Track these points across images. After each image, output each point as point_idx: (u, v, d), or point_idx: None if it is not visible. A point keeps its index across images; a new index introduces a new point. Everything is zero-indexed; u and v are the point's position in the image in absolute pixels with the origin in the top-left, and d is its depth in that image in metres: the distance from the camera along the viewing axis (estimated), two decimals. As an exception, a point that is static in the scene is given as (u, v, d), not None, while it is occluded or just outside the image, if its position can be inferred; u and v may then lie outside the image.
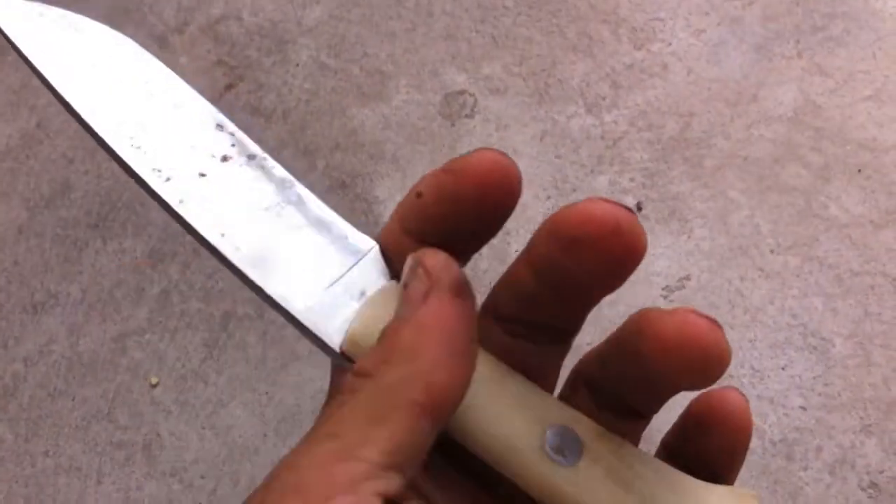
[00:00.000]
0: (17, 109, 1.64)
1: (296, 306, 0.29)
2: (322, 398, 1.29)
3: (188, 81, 0.34)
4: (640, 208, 1.38)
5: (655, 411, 0.31)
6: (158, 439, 1.30)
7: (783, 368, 1.24)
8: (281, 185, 0.32)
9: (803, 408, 1.21)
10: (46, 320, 1.41)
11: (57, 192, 1.53)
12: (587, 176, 1.43)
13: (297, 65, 1.63)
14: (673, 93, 1.50)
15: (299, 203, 0.32)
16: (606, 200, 0.27)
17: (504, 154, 0.28)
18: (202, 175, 0.31)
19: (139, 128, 0.32)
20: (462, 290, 0.27)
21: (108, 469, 1.29)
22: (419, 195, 0.30)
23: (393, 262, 0.31)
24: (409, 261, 0.28)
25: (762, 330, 1.27)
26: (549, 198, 1.41)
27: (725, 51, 1.53)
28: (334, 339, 0.29)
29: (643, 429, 0.31)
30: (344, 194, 1.45)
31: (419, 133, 1.51)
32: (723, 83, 1.50)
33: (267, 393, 1.30)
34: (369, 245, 0.31)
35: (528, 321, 0.31)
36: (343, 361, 0.29)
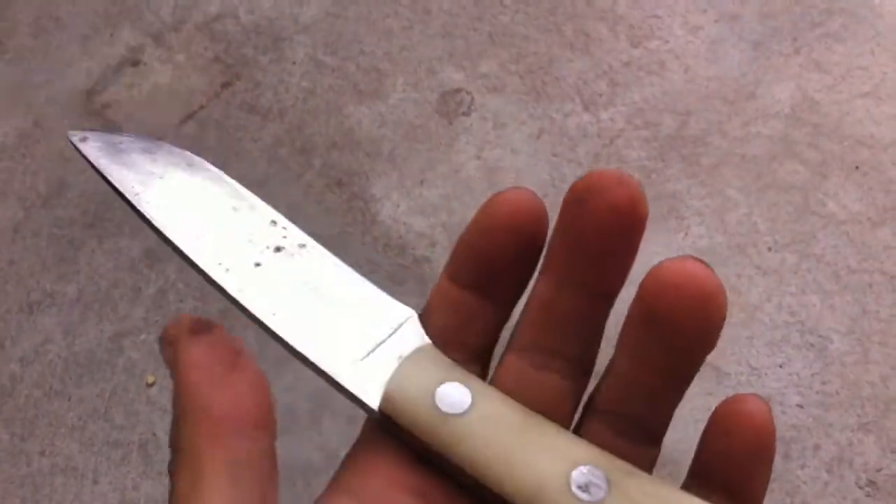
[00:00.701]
0: (14, 108, 1.64)
1: (339, 372, 0.32)
2: (318, 398, 1.29)
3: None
4: (637, 206, 1.38)
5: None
6: (155, 439, 1.30)
7: (781, 366, 1.23)
8: (328, 267, 0.36)
9: (801, 406, 1.21)
10: (42, 320, 1.41)
11: (53, 192, 1.53)
12: (584, 174, 1.43)
13: (294, 63, 1.63)
14: (670, 90, 1.49)
15: (345, 282, 0.35)
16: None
17: (529, 191, 0.30)
18: (257, 265, 0.35)
19: (202, 229, 0.37)
20: (198, 328, 0.29)
21: (105, 469, 1.28)
22: (461, 237, 0.32)
23: (441, 316, 0.33)
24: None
25: (760, 327, 1.27)
26: (545, 196, 1.41)
27: (723, 48, 1.53)
28: (371, 401, 0.31)
29: (656, 455, 0.32)
30: (341, 192, 1.45)
31: (416, 131, 1.51)
32: (720, 80, 1.49)
33: (263, 392, 1.29)
34: (408, 314, 0.33)
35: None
36: (383, 419, 0.31)
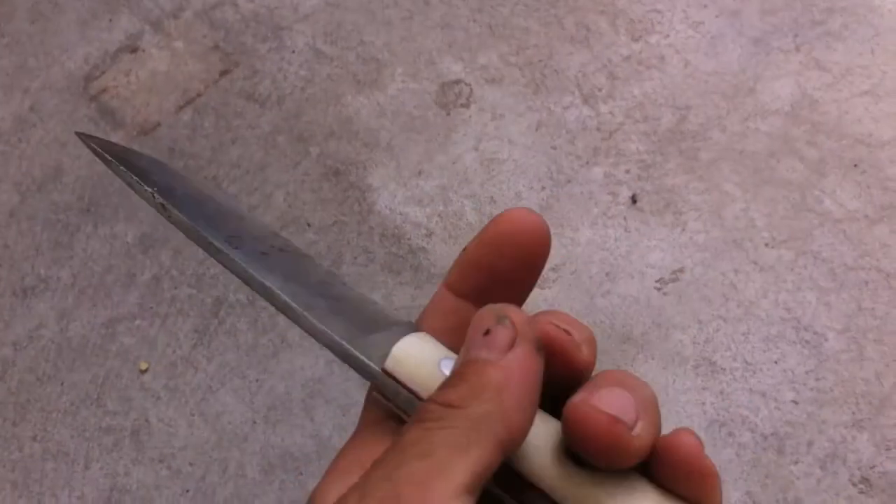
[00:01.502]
0: (11, 92, 1.63)
1: (343, 335, 0.33)
2: (312, 386, 1.29)
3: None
4: (634, 200, 1.38)
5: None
6: (147, 425, 1.29)
7: (776, 362, 1.23)
8: (328, 274, 0.38)
9: (795, 402, 1.21)
10: (36, 304, 1.40)
11: (49, 176, 1.52)
12: (582, 167, 1.42)
13: (293, 51, 1.62)
14: (670, 85, 1.49)
15: (343, 287, 0.38)
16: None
17: (534, 212, 0.33)
18: (264, 254, 0.37)
19: (216, 223, 0.39)
20: (540, 346, 0.30)
21: (96, 454, 1.28)
22: (465, 249, 0.34)
23: (436, 322, 0.36)
24: (488, 311, 0.31)
25: (755, 323, 1.26)
26: (543, 188, 1.41)
27: (723, 44, 1.53)
28: (377, 362, 0.32)
29: None
30: (337, 182, 1.45)
31: (414, 122, 1.51)
32: (720, 76, 1.49)
33: (257, 380, 1.29)
34: (406, 318, 0.36)
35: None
36: (384, 379, 0.32)
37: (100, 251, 1.44)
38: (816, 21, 1.52)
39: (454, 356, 0.32)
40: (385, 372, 0.32)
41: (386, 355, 0.32)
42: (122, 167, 0.40)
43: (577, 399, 0.29)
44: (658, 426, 0.30)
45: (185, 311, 1.37)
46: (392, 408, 0.33)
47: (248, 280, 0.35)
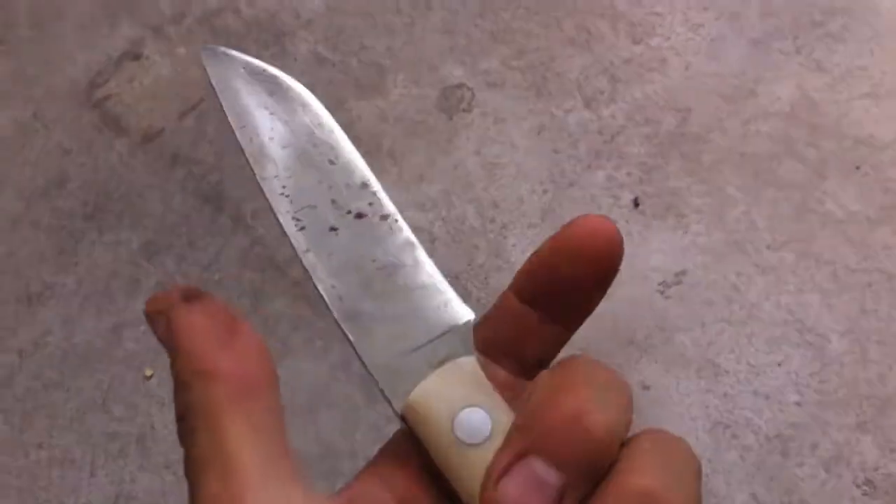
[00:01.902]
0: (13, 99, 1.63)
1: (373, 362, 0.32)
2: (315, 391, 1.29)
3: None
4: (636, 203, 1.38)
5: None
6: (153, 431, 1.30)
7: (779, 364, 1.24)
8: (403, 246, 0.35)
9: (799, 404, 1.21)
10: (41, 311, 1.41)
11: (53, 183, 1.53)
12: (584, 170, 1.43)
13: (295, 58, 1.62)
14: (671, 87, 1.49)
15: (414, 266, 0.35)
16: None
17: (608, 219, 0.31)
18: (333, 229, 0.35)
19: (293, 179, 0.36)
20: (190, 296, 0.30)
21: (102, 461, 1.28)
22: (536, 253, 0.33)
23: (499, 327, 0.34)
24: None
25: (758, 326, 1.27)
26: (545, 192, 1.41)
27: (723, 46, 1.53)
28: (396, 403, 0.31)
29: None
30: (340, 187, 1.45)
31: (416, 127, 1.51)
32: (721, 78, 1.49)
33: (262, 386, 1.29)
34: (466, 317, 0.33)
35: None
36: (402, 423, 0.32)
37: (104, 258, 1.44)
38: (816, 22, 1.53)
39: (482, 404, 0.30)
40: (403, 418, 0.31)
41: (408, 393, 0.31)
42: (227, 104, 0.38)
43: (484, 491, 0.28)
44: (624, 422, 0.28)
45: (190, 317, 1.37)
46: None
47: (305, 270, 0.34)
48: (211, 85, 0.39)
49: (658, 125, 1.46)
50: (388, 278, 0.34)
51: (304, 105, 0.40)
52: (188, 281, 1.40)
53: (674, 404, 1.22)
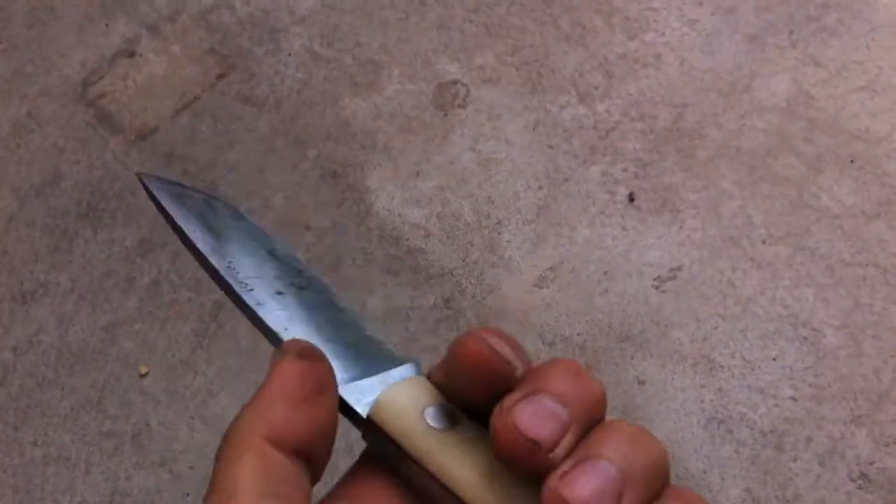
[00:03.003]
0: (8, 98, 1.63)
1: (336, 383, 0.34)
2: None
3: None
4: (632, 199, 1.38)
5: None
6: (147, 429, 1.30)
7: (774, 359, 1.24)
8: (346, 309, 0.39)
9: (794, 398, 1.21)
10: (36, 310, 1.41)
11: (47, 182, 1.53)
12: (580, 166, 1.43)
13: (290, 54, 1.62)
14: (666, 83, 1.49)
15: (358, 322, 0.39)
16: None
17: (485, 342, 0.32)
18: (279, 293, 0.38)
19: (237, 262, 0.39)
20: (303, 354, 0.32)
21: (97, 459, 1.28)
22: (429, 376, 0.35)
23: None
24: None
25: (753, 320, 1.27)
26: (541, 188, 1.41)
27: (719, 41, 1.53)
28: (362, 409, 0.33)
29: None
30: (335, 184, 1.45)
31: (411, 123, 1.51)
32: (716, 73, 1.49)
33: (257, 383, 1.29)
34: (414, 358, 0.36)
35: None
36: (368, 433, 0.33)
37: (99, 256, 1.44)
38: (812, 17, 1.53)
39: (444, 404, 0.32)
40: (370, 420, 0.33)
41: (369, 404, 0.33)
42: (171, 215, 0.41)
43: (498, 415, 0.30)
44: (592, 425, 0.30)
45: (185, 314, 1.37)
46: (382, 458, 0.33)
47: (255, 322, 0.37)
48: (155, 199, 0.42)
49: (653, 120, 1.45)
50: (336, 328, 0.38)
51: (239, 216, 0.44)
52: (181, 280, 1.40)
53: (669, 399, 1.22)
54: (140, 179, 0.42)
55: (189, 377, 1.32)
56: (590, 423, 0.30)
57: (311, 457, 0.31)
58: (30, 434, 1.31)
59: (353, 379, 0.34)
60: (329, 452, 0.32)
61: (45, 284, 1.43)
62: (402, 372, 0.35)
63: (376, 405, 0.32)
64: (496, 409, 0.29)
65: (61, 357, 1.36)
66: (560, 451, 0.28)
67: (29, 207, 1.50)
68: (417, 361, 0.36)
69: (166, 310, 1.38)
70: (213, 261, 0.38)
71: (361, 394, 0.33)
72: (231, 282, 0.37)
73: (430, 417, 0.31)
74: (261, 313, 0.36)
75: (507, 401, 0.29)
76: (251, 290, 0.37)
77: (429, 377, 0.35)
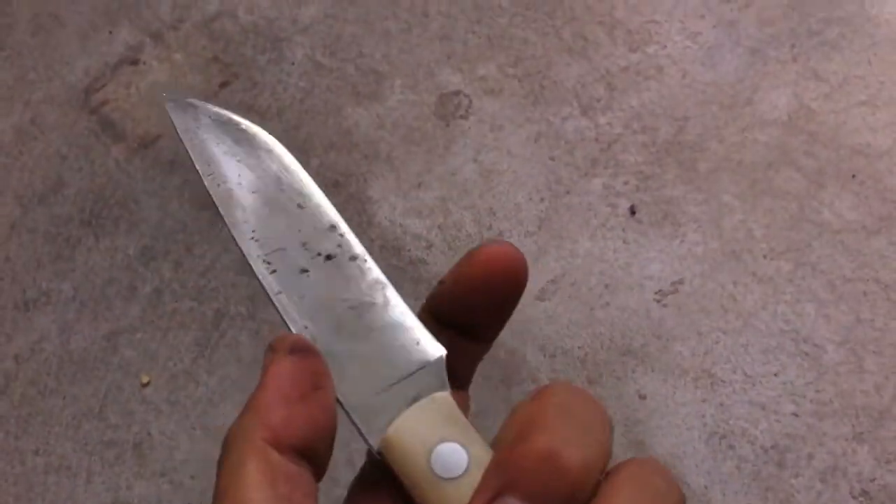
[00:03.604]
0: (11, 105, 1.63)
1: (348, 401, 0.33)
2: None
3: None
4: (633, 212, 1.38)
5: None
6: (149, 438, 1.30)
7: (775, 374, 1.24)
8: (373, 286, 0.36)
9: (795, 414, 1.21)
10: (38, 318, 1.41)
11: (50, 189, 1.53)
12: (581, 178, 1.43)
13: (293, 63, 1.63)
14: (668, 95, 1.50)
15: (384, 305, 0.36)
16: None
17: (511, 244, 0.33)
18: (304, 271, 0.36)
19: (262, 223, 0.38)
20: (295, 349, 0.32)
21: (98, 468, 1.28)
22: (441, 282, 0.34)
23: None
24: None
25: (754, 335, 1.27)
26: (542, 199, 1.41)
27: (720, 54, 1.53)
28: (373, 440, 0.32)
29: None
30: (337, 194, 1.45)
31: (413, 133, 1.51)
32: (717, 86, 1.50)
33: (258, 393, 1.29)
34: (438, 353, 0.34)
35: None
36: (381, 462, 0.32)
37: (101, 264, 1.44)
38: (813, 31, 1.53)
39: (457, 439, 0.31)
40: (380, 454, 0.32)
41: (383, 430, 0.32)
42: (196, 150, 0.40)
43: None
44: (601, 450, 0.29)
45: (187, 323, 1.37)
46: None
47: (278, 312, 0.36)
48: (177, 134, 0.40)
49: (655, 133, 1.46)
50: (359, 318, 0.35)
51: (270, 152, 0.40)
52: (184, 289, 1.40)
53: (670, 414, 1.23)
54: (165, 102, 0.40)
55: (191, 387, 1.33)
56: (581, 498, 0.27)
57: (313, 454, 0.30)
58: (31, 443, 1.31)
59: (374, 386, 0.33)
60: (331, 447, 0.31)
61: (48, 292, 1.43)
62: (427, 376, 0.33)
63: (385, 442, 0.31)
64: (500, 444, 0.28)
65: (63, 365, 1.36)
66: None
67: (31, 215, 1.50)
68: (444, 355, 0.34)
69: (168, 319, 1.38)
70: (236, 237, 0.37)
71: (374, 414, 0.32)
72: (253, 265, 0.36)
73: (438, 463, 0.30)
74: (280, 307, 0.35)
75: (505, 437, 0.28)
76: (273, 271, 0.36)
77: (432, 297, 0.35)
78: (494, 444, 0.30)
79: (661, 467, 0.29)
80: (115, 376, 1.35)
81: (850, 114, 1.44)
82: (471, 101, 1.54)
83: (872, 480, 1.16)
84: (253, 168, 0.39)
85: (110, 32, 1.70)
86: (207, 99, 1.59)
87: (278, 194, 0.38)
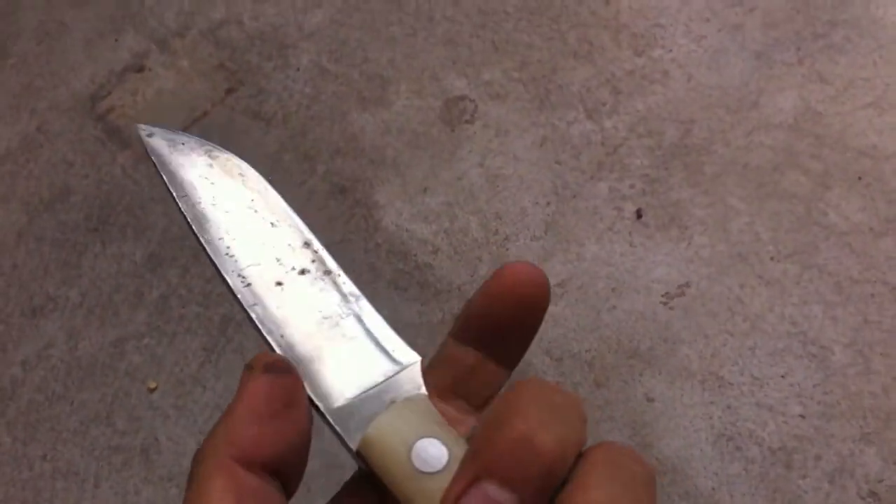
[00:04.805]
0: (18, 113, 1.64)
1: (326, 406, 0.34)
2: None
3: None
4: (639, 215, 1.38)
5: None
6: (156, 444, 1.30)
7: (783, 376, 1.24)
8: (347, 297, 0.37)
9: (802, 416, 1.21)
10: (45, 324, 1.41)
11: (57, 196, 1.53)
12: (587, 182, 1.43)
13: (298, 69, 1.63)
14: (673, 99, 1.50)
15: (359, 316, 0.37)
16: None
17: (533, 265, 0.34)
18: (279, 284, 0.37)
19: (236, 241, 0.39)
20: (269, 368, 0.32)
21: (106, 473, 1.28)
22: (469, 301, 0.35)
23: (443, 370, 0.36)
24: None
25: (762, 338, 1.27)
26: (548, 204, 1.41)
27: (726, 57, 1.53)
28: (352, 441, 0.32)
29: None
30: (343, 199, 1.45)
31: (419, 138, 1.51)
32: (723, 90, 1.50)
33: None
34: (413, 359, 0.35)
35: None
36: (359, 462, 0.32)
37: (108, 270, 1.45)
38: (819, 34, 1.53)
39: (436, 435, 0.31)
40: (359, 454, 0.32)
41: (363, 430, 0.32)
42: (164, 175, 0.40)
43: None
44: (573, 435, 0.29)
45: (194, 329, 1.37)
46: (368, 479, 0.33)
47: (252, 323, 0.36)
48: (152, 160, 0.41)
49: (661, 137, 1.46)
50: (334, 327, 0.36)
51: (243, 175, 0.42)
52: (190, 294, 1.40)
53: (678, 416, 1.22)
54: (139, 132, 0.42)
55: (198, 392, 1.33)
56: (550, 488, 0.28)
57: (282, 472, 0.31)
58: (39, 448, 1.31)
59: (351, 391, 0.33)
60: (303, 465, 0.32)
61: (55, 299, 1.43)
62: (403, 381, 0.34)
63: (364, 441, 0.32)
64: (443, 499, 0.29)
65: (70, 371, 1.36)
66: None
67: (38, 222, 1.51)
68: (419, 361, 0.35)
69: (175, 324, 1.38)
70: (211, 254, 0.38)
71: (352, 417, 0.33)
72: (228, 279, 0.37)
73: (418, 458, 0.31)
74: (256, 318, 0.36)
75: (449, 493, 0.28)
76: (248, 284, 0.37)
77: (459, 318, 0.35)
78: (471, 437, 0.31)
79: (632, 449, 0.29)
80: (122, 382, 1.35)
81: (856, 116, 1.44)
82: (476, 106, 1.54)
83: (880, 481, 1.15)
84: (226, 190, 0.40)
85: (116, 40, 1.71)
86: (214, 105, 1.60)
87: (252, 214, 0.40)
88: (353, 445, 0.32)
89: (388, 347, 0.36)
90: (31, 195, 1.54)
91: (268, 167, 1.51)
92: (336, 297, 0.37)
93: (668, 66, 1.53)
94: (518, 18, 1.62)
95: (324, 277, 0.38)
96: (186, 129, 1.57)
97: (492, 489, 0.27)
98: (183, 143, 0.42)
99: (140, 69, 1.67)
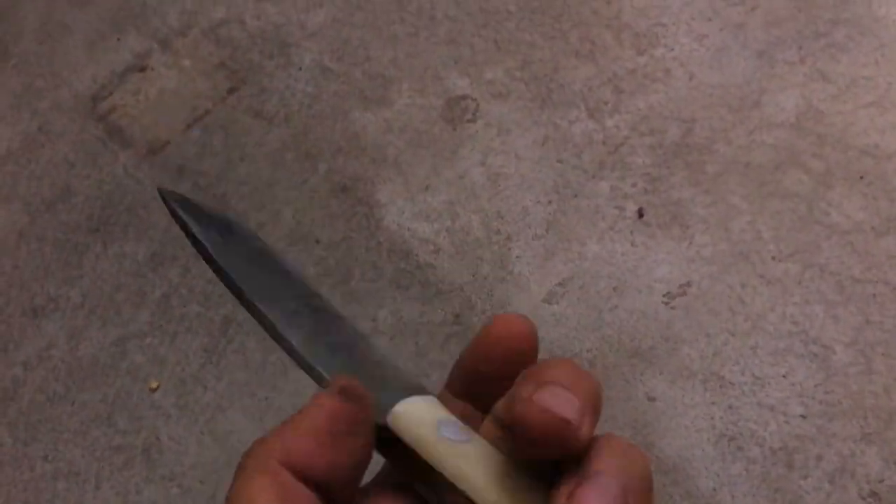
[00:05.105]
0: (19, 113, 1.64)
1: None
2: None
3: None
4: (641, 214, 1.38)
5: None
6: (158, 444, 1.30)
7: (784, 376, 1.23)
8: (361, 333, 0.40)
9: (804, 416, 1.20)
10: (46, 324, 1.41)
11: (58, 196, 1.53)
12: (589, 181, 1.43)
13: (300, 68, 1.63)
14: (675, 98, 1.49)
15: (368, 348, 0.40)
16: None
17: (523, 318, 0.35)
18: (296, 312, 0.39)
19: (251, 286, 0.40)
20: (344, 393, 0.33)
21: (107, 473, 1.29)
22: (460, 356, 0.37)
23: None
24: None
25: (763, 337, 1.26)
26: (550, 202, 1.41)
27: (728, 56, 1.53)
28: (381, 417, 0.34)
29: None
30: (345, 198, 1.45)
31: (421, 137, 1.51)
32: (725, 89, 1.49)
33: (266, 398, 1.30)
34: (420, 381, 0.37)
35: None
36: (385, 439, 0.34)
37: (109, 270, 1.45)
38: (821, 33, 1.53)
39: (456, 420, 0.33)
40: (386, 427, 0.33)
41: (387, 412, 0.34)
42: (188, 222, 0.42)
43: (520, 403, 0.31)
44: (598, 417, 0.31)
45: (195, 329, 1.38)
46: (391, 466, 0.35)
47: (273, 335, 0.38)
48: (180, 223, 0.43)
49: (662, 136, 1.46)
50: (350, 350, 0.39)
51: (254, 239, 0.45)
52: (192, 294, 1.40)
53: (679, 416, 1.22)
54: (161, 196, 0.43)
55: (199, 392, 1.33)
56: (595, 412, 0.30)
57: (328, 492, 0.31)
58: (40, 449, 1.31)
59: (371, 388, 0.35)
60: (350, 495, 0.32)
61: (56, 299, 1.43)
62: (415, 391, 0.35)
63: (393, 414, 0.33)
64: (515, 400, 0.30)
65: (72, 372, 1.37)
66: (585, 430, 0.29)
67: (40, 222, 1.51)
68: (423, 387, 0.37)
69: (177, 324, 1.38)
70: (235, 278, 0.39)
71: (376, 405, 0.34)
72: (253, 300, 0.38)
73: (446, 429, 0.33)
74: (280, 328, 0.37)
75: (523, 391, 0.30)
76: (272, 305, 0.39)
77: (452, 374, 0.37)
78: (505, 403, 0.34)
79: (637, 446, 0.32)
80: (123, 382, 1.35)
81: (858, 115, 1.43)
82: (478, 105, 1.54)
83: (881, 481, 1.15)
84: (237, 247, 0.42)
85: (118, 39, 1.71)
86: (216, 104, 1.60)
87: (262, 267, 0.42)
88: (383, 420, 0.33)
89: (399, 372, 0.38)
90: (32, 195, 1.54)
91: (269, 166, 1.51)
92: (349, 330, 0.40)
93: (670, 65, 1.53)
94: (520, 17, 1.62)
95: (336, 316, 0.41)
96: (188, 128, 1.57)
97: (560, 389, 0.30)
98: (201, 209, 0.43)
99: (142, 69, 1.67)
